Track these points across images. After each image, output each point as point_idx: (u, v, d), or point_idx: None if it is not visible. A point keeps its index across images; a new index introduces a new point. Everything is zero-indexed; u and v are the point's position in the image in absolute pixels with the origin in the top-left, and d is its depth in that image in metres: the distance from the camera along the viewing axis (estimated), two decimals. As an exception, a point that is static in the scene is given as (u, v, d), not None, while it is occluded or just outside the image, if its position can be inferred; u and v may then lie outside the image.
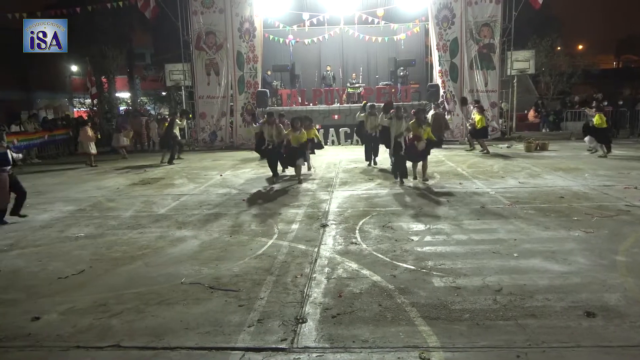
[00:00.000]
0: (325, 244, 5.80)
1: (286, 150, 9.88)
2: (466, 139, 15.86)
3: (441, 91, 17.46)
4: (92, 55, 23.16)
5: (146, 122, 19.43)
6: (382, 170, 11.26)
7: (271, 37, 19.40)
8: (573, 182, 8.98)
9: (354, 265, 5.02)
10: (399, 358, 3.25)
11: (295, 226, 6.64)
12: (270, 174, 10.45)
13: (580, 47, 37.64)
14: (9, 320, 4.02)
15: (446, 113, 16.98)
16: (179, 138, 14.85)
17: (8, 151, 7.46)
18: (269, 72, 19.22)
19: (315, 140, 11.36)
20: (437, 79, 17.82)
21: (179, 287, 4.60)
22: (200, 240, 6.18)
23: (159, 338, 3.61)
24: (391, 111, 10.11)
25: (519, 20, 17.48)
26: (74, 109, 29.88)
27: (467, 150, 14.67)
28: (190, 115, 15.18)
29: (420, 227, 6.41)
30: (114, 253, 5.76)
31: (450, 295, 4.18)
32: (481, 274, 4.66)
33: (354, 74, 19.15)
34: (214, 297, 4.34)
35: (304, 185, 9.72)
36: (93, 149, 14.03)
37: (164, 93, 31.08)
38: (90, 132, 14.07)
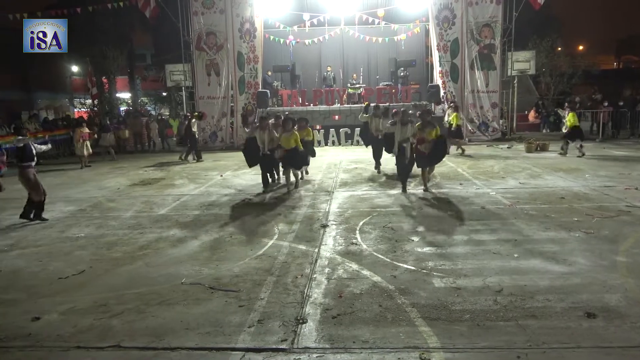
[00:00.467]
0: (325, 244, 5.80)
1: (281, 154, 9.07)
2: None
3: (441, 92, 17.46)
4: (92, 55, 23.21)
5: (146, 123, 19.46)
6: (386, 173, 10.72)
7: (272, 37, 19.41)
8: (574, 183, 8.98)
9: (355, 266, 5.01)
10: (399, 358, 3.25)
11: (295, 226, 6.64)
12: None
13: (581, 47, 37.65)
14: (9, 320, 4.02)
15: (447, 114, 16.95)
16: (197, 137, 15.18)
17: (31, 144, 7.52)
18: (270, 73, 19.22)
19: (310, 139, 10.68)
20: (438, 80, 17.82)
21: (180, 288, 4.61)
22: (201, 240, 6.18)
23: (160, 338, 3.61)
24: (395, 116, 9.44)
25: (519, 20, 17.48)
26: (75, 110, 29.91)
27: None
28: (195, 114, 15.36)
29: (420, 227, 6.41)
30: (114, 253, 5.76)
31: (450, 296, 4.18)
32: (482, 274, 4.65)
33: (354, 75, 19.14)
34: (214, 297, 4.34)
35: (304, 185, 9.71)
36: (86, 151, 13.95)
37: (164, 93, 31.13)
38: (82, 132, 13.93)
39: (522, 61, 17.86)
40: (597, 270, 4.65)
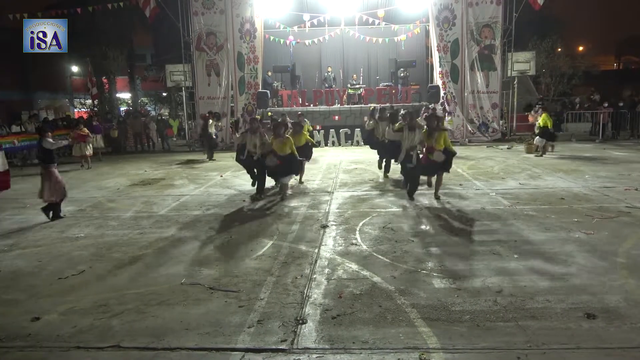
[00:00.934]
0: (325, 244, 5.80)
1: (274, 162, 8.27)
2: None
3: (441, 92, 17.47)
4: (92, 55, 23.19)
5: (144, 123, 19.47)
6: (392, 178, 10.09)
7: (272, 37, 19.42)
8: (573, 184, 8.98)
9: (354, 266, 5.01)
10: (399, 359, 3.25)
11: (295, 227, 6.64)
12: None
13: (581, 48, 37.63)
14: (9, 321, 4.02)
15: (447, 115, 17.00)
16: (214, 137, 15.34)
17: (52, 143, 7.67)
18: (270, 73, 19.23)
19: (309, 144, 10.15)
20: (438, 80, 17.83)
21: (179, 288, 4.60)
22: (201, 241, 6.18)
23: (159, 339, 3.61)
24: (404, 118, 8.66)
25: (519, 21, 17.50)
26: (75, 110, 29.92)
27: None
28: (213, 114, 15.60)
29: (420, 228, 6.41)
30: (114, 253, 5.76)
31: (450, 297, 4.18)
32: (481, 275, 4.65)
33: (354, 75, 19.16)
34: (214, 297, 4.34)
35: (305, 186, 9.71)
36: (87, 151, 13.94)
37: (164, 94, 31.12)
38: (76, 133, 13.86)
39: (522, 62, 17.86)
40: (597, 271, 4.65)
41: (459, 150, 14.34)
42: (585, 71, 27.48)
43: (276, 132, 8.44)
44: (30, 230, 7.01)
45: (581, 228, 6.08)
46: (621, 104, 18.41)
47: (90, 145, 14.24)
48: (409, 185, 8.27)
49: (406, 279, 4.60)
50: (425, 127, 7.91)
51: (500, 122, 17.95)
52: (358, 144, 17.17)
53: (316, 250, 5.57)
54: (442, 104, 17.44)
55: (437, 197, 8.04)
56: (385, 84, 19.06)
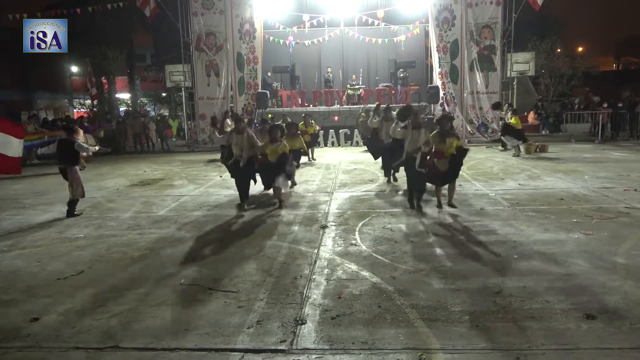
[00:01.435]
0: (324, 245, 5.80)
1: (261, 166, 7.62)
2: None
3: (441, 93, 17.49)
4: (92, 55, 23.22)
5: (144, 123, 19.46)
6: (397, 185, 9.34)
7: (271, 38, 19.43)
8: (573, 184, 8.99)
9: (354, 267, 5.01)
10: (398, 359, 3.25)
11: (294, 227, 6.64)
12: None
13: (580, 49, 37.66)
14: (8, 321, 4.02)
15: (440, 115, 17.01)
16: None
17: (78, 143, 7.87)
18: (269, 74, 19.25)
19: (302, 150, 9.41)
20: (437, 81, 17.85)
21: (179, 288, 4.60)
22: (200, 241, 6.18)
23: (159, 339, 3.61)
24: (406, 119, 7.80)
25: (519, 22, 17.51)
26: (74, 110, 29.91)
27: None
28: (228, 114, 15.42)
29: (419, 228, 6.41)
30: (113, 254, 5.76)
31: (449, 297, 4.17)
32: (481, 275, 4.65)
33: (353, 76, 19.18)
34: (214, 298, 4.34)
35: (304, 186, 9.70)
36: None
37: (164, 94, 31.12)
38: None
39: (522, 62, 17.88)
40: (597, 272, 4.65)
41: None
42: (584, 72, 27.51)
43: (272, 136, 7.61)
44: (29, 231, 7.00)
45: (580, 228, 6.09)
46: (620, 105, 18.44)
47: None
48: (413, 192, 7.45)
49: (405, 280, 4.60)
50: (435, 131, 7.17)
51: (500, 122, 17.95)
52: (357, 144, 17.17)
53: (315, 251, 5.57)
54: (442, 105, 17.47)
55: (452, 205, 7.35)
56: (385, 84, 19.07)
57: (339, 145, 17.54)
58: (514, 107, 15.34)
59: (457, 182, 9.45)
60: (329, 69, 19.59)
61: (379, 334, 3.57)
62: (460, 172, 10.53)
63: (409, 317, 3.82)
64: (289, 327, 3.73)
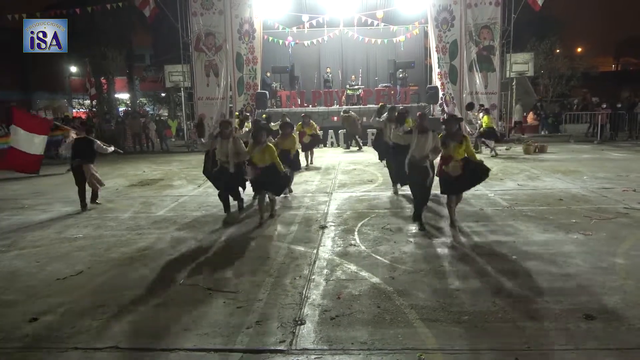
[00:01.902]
0: (324, 245, 5.80)
1: (254, 174, 6.84)
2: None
3: (440, 93, 17.50)
4: (91, 56, 23.19)
5: (144, 123, 19.44)
6: (403, 195, 8.37)
7: (270, 38, 19.44)
8: (572, 185, 8.99)
9: (353, 267, 5.01)
10: (397, 360, 3.25)
11: (294, 228, 6.64)
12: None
13: (580, 49, 37.71)
14: (7, 321, 4.01)
15: (446, 115, 17.01)
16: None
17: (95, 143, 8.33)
18: (269, 74, 19.25)
19: (292, 153, 8.81)
20: (437, 81, 17.86)
21: (178, 289, 4.60)
22: (199, 241, 6.17)
23: (158, 339, 3.60)
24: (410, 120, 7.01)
25: (518, 22, 17.52)
26: (73, 110, 29.90)
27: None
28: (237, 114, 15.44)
29: (419, 228, 6.40)
30: (112, 254, 5.75)
31: (449, 297, 4.17)
32: (480, 276, 4.66)
33: (353, 76, 19.20)
34: (213, 298, 4.34)
35: (303, 187, 9.70)
36: None
37: (163, 94, 31.13)
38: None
39: (521, 63, 17.90)
40: (596, 272, 4.66)
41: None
42: (583, 72, 27.52)
43: (256, 138, 6.89)
44: (28, 231, 6.99)
45: (579, 229, 6.09)
46: (619, 105, 18.47)
47: None
48: (417, 203, 6.67)
49: (405, 280, 4.61)
50: (442, 133, 6.36)
51: (499, 123, 17.97)
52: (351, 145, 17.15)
53: (315, 251, 5.57)
54: (441, 105, 17.48)
55: (452, 225, 6.40)
56: (384, 84, 19.09)
57: (338, 145, 17.54)
58: (485, 106, 15.32)
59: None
60: (329, 70, 19.60)
61: (378, 334, 3.57)
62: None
63: (408, 318, 3.82)
64: (288, 327, 3.73)
